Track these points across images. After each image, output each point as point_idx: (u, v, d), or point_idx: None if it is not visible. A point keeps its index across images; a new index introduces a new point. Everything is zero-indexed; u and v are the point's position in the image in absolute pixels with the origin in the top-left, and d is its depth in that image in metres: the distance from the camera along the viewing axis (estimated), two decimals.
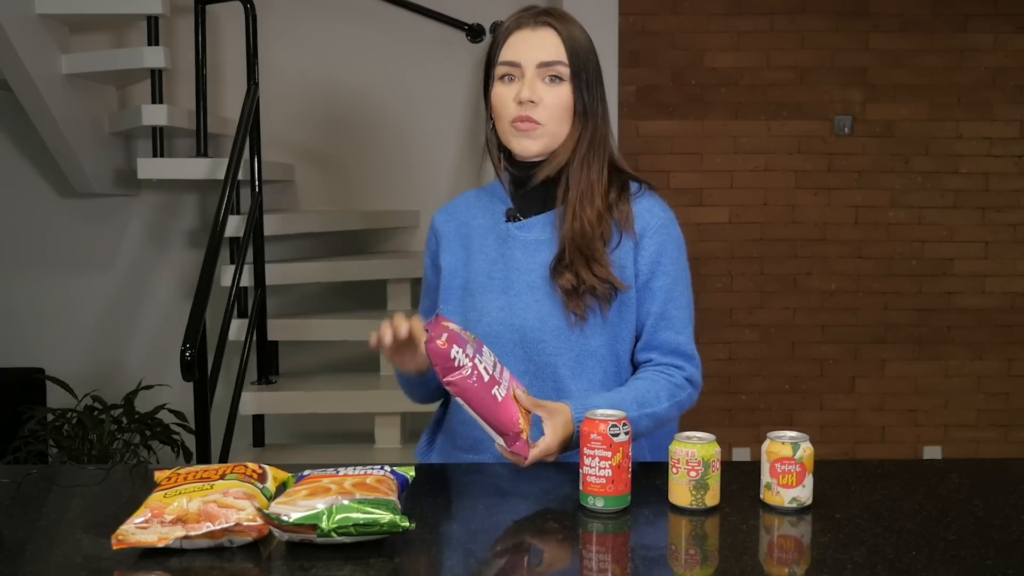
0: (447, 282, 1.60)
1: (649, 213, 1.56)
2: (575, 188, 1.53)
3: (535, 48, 1.49)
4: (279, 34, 3.74)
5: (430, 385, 1.60)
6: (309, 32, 3.81)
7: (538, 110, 1.49)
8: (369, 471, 1.27)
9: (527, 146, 1.52)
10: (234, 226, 3.10)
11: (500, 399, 1.32)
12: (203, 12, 3.30)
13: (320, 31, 3.81)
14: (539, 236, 1.56)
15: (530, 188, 1.56)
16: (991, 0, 3.83)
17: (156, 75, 3.34)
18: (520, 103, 1.49)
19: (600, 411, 1.30)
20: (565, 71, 1.49)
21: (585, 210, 1.51)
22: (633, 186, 1.59)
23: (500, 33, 1.54)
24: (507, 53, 1.51)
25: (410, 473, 1.32)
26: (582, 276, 1.49)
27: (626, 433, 1.27)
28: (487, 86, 1.57)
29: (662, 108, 3.86)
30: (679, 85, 3.86)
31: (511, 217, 1.59)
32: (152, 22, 3.32)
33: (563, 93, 1.50)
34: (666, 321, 1.55)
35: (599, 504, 1.27)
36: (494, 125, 1.56)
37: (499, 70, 1.52)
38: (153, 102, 3.34)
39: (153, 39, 3.33)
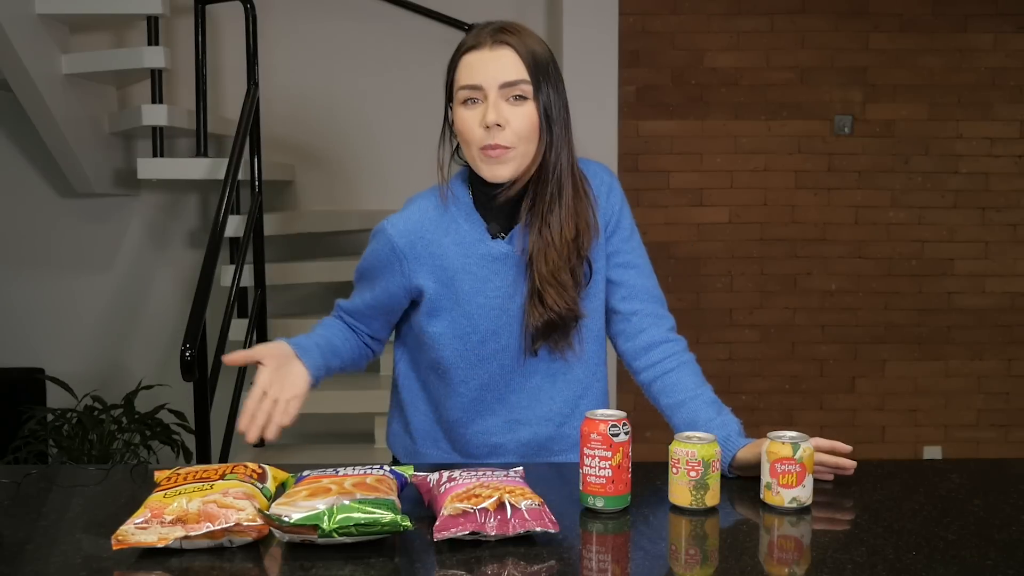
0: (433, 304, 1.54)
1: (601, 173, 1.60)
2: (555, 220, 1.49)
3: (496, 69, 1.44)
4: (279, 34, 3.74)
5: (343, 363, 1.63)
6: (309, 32, 3.81)
7: (506, 133, 1.44)
8: (369, 471, 1.28)
9: (498, 172, 1.47)
10: (234, 226, 3.10)
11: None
12: (203, 12, 3.30)
13: (320, 31, 3.81)
14: (526, 247, 1.53)
15: (498, 204, 1.53)
16: (991, 0, 3.83)
17: (156, 75, 3.34)
18: (487, 128, 1.44)
19: (600, 411, 1.30)
20: (528, 89, 1.45)
21: (563, 240, 1.49)
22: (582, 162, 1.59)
23: (457, 53, 1.49)
24: (467, 75, 1.46)
25: (410, 473, 1.32)
26: (549, 300, 1.50)
27: (626, 433, 1.27)
28: (448, 107, 1.53)
29: (662, 108, 3.86)
30: (679, 85, 3.86)
31: (496, 234, 1.54)
32: (152, 22, 3.32)
33: (529, 112, 1.45)
34: (636, 269, 1.60)
35: (599, 504, 1.27)
36: (457, 146, 1.54)
37: (461, 94, 1.47)
38: (153, 102, 3.34)
39: (153, 39, 3.33)
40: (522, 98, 1.45)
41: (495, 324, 1.54)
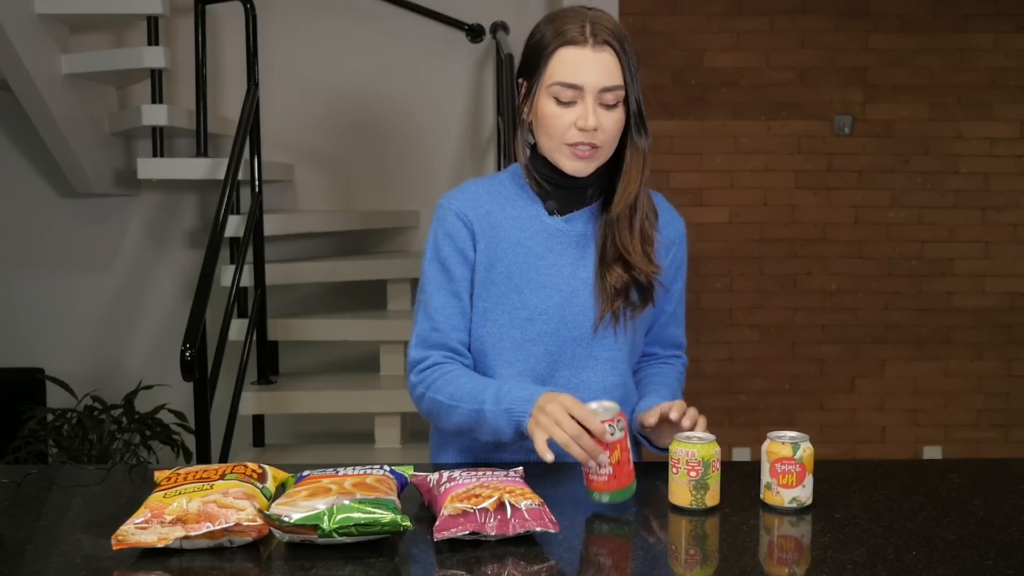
0: (484, 275, 1.53)
1: (679, 221, 1.66)
2: (640, 206, 1.53)
3: (598, 72, 1.45)
4: (279, 34, 3.74)
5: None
6: (309, 32, 3.81)
7: (597, 134, 1.46)
8: (369, 471, 1.28)
9: (582, 169, 1.50)
10: (234, 226, 3.10)
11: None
12: (203, 12, 3.30)
13: (320, 31, 3.81)
14: (584, 231, 1.55)
15: (569, 188, 1.55)
16: (991, 0, 3.83)
17: (156, 75, 3.34)
18: (581, 130, 1.45)
19: (592, 405, 1.31)
20: (623, 95, 1.47)
21: (645, 229, 1.54)
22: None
23: (553, 40, 1.46)
24: (567, 73, 1.45)
25: (409, 473, 1.32)
26: (637, 271, 1.52)
27: (620, 430, 1.28)
28: (529, 87, 1.51)
29: (662, 108, 3.86)
30: (679, 85, 3.86)
31: (553, 211, 1.55)
32: (152, 22, 3.32)
33: (619, 116, 1.48)
34: (675, 320, 1.67)
35: (606, 499, 1.27)
36: (530, 127, 1.53)
37: (555, 88, 1.45)
38: (153, 102, 3.34)
39: (153, 39, 3.33)
40: (616, 103, 1.47)
41: (545, 303, 1.51)
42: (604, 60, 1.45)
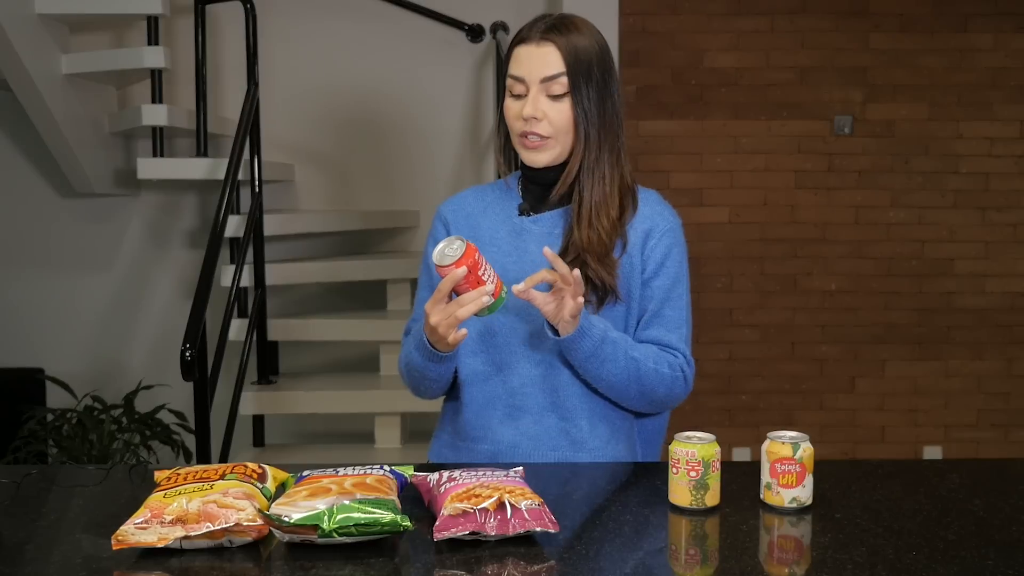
0: None
1: (660, 216, 1.61)
2: (588, 199, 1.55)
3: (538, 64, 1.52)
4: (279, 34, 3.74)
5: (444, 373, 1.58)
6: (309, 32, 3.81)
7: (543, 125, 1.53)
8: (369, 471, 1.28)
9: (535, 158, 1.56)
10: (234, 226, 3.10)
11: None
12: (203, 12, 3.30)
13: (320, 31, 3.81)
14: (552, 230, 1.59)
15: (540, 186, 1.61)
16: (991, 0, 3.83)
17: (156, 75, 3.34)
18: (525, 120, 1.53)
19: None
20: (565, 84, 1.52)
21: (602, 221, 1.54)
22: (642, 191, 1.63)
23: (511, 43, 1.58)
24: (513, 67, 1.55)
25: (409, 473, 1.32)
26: (589, 269, 1.51)
27: (459, 251, 1.38)
28: (501, 92, 1.62)
29: (662, 108, 3.86)
30: (679, 85, 3.86)
31: (524, 211, 1.62)
32: (152, 22, 3.32)
33: (566, 107, 1.53)
34: (659, 319, 1.58)
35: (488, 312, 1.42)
36: (506, 132, 1.60)
37: (508, 83, 1.56)
38: (153, 102, 3.34)
39: (153, 39, 3.33)
40: (562, 94, 1.53)
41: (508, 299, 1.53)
42: (545, 52, 1.52)
